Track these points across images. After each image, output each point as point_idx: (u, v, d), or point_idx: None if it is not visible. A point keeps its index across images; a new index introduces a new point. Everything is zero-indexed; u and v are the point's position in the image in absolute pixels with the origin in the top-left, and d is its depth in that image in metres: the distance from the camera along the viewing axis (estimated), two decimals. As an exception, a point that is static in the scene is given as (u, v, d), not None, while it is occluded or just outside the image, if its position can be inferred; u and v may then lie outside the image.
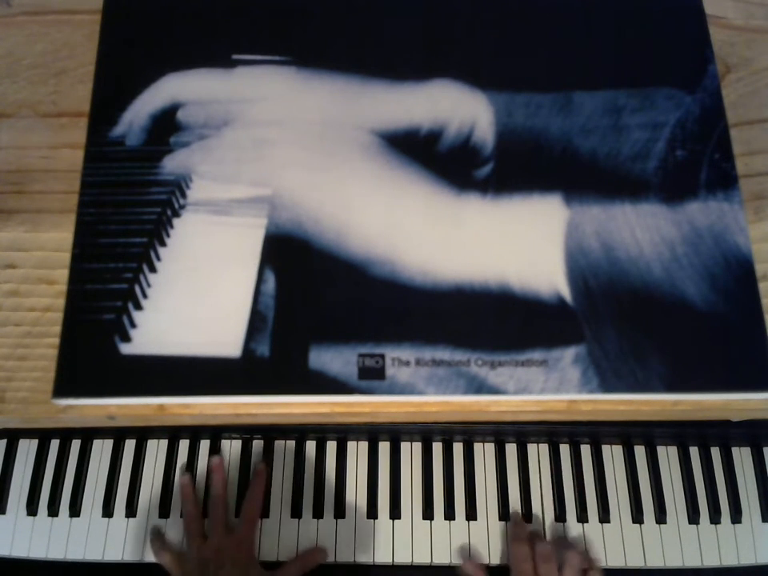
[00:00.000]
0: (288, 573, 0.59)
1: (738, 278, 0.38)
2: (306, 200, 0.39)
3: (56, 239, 0.39)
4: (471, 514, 0.62)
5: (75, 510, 0.62)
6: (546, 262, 0.38)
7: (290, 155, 0.40)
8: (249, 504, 0.61)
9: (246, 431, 0.65)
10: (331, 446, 0.65)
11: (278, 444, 0.66)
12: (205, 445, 0.65)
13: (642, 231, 0.38)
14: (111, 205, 0.38)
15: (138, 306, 0.36)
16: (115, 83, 0.41)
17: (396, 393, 0.35)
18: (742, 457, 0.66)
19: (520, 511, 0.63)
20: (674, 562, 0.62)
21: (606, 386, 0.35)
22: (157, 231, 0.38)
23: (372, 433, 0.65)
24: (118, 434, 0.65)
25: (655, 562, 0.62)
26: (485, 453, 0.65)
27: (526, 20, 0.44)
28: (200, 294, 0.36)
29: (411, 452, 0.65)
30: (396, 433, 0.65)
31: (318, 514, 0.62)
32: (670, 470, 0.65)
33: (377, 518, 0.63)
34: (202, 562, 0.57)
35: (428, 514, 0.62)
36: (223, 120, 0.41)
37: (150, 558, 0.61)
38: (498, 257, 0.38)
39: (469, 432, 0.65)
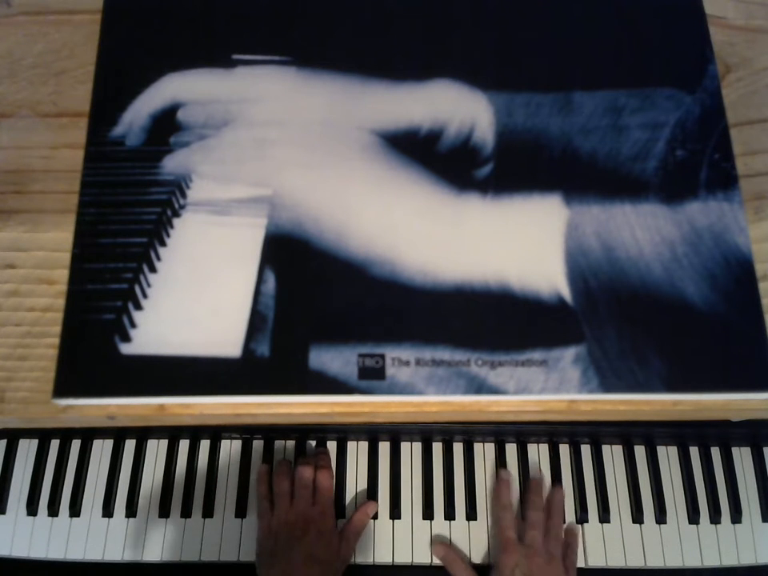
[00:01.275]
0: (351, 535, 0.61)
1: (738, 277, 0.38)
2: (306, 200, 0.39)
3: (56, 239, 0.39)
4: (471, 514, 0.63)
5: (75, 510, 0.62)
6: (546, 261, 0.38)
7: (290, 155, 0.40)
8: (323, 474, 0.62)
9: (245, 431, 0.65)
10: (331, 446, 0.65)
11: (278, 444, 0.66)
12: (205, 445, 0.66)
13: (642, 231, 0.38)
14: (111, 205, 0.38)
15: (138, 306, 0.36)
16: (115, 83, 0.41)
17: (396, 393, 0.35)
18: (742, 457, 0.66)
19: (519, 511, 0.63)
20: (674, 561, 0.62)
21: (606, 386, 0.35)
22: (157, 231, 0.38)
23: (372, 433, 0.65)
24: (118, 434, 0.65)
25: (655, 562, 0.62)
26: (485, 453, 0.65)
27: (526, 20, 0.44)
28: (200, 294, 0.36)
29: (411, 452, 0.65)
30: (396, 433, 0.65)
31: (318, 513, 0.62)
32: (670, 470, 0.65)
33: (377, 518, 0.63)
34: (288, 524, 0.59)
35: (428, 513, 0.62)
36: (223, 120, 0.41)
37: (150, 557, 0.61)
38: (498, 257, 0.38)
39: (469, 432, 0.65)
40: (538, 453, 0.65)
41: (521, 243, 0.38)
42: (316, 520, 0.59)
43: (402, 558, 0.61)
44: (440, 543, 0.61)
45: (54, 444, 0.65)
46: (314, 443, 0.66)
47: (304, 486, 0.61)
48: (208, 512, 0.63)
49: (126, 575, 0.62)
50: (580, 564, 0.61)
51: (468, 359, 0.36)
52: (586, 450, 0.65)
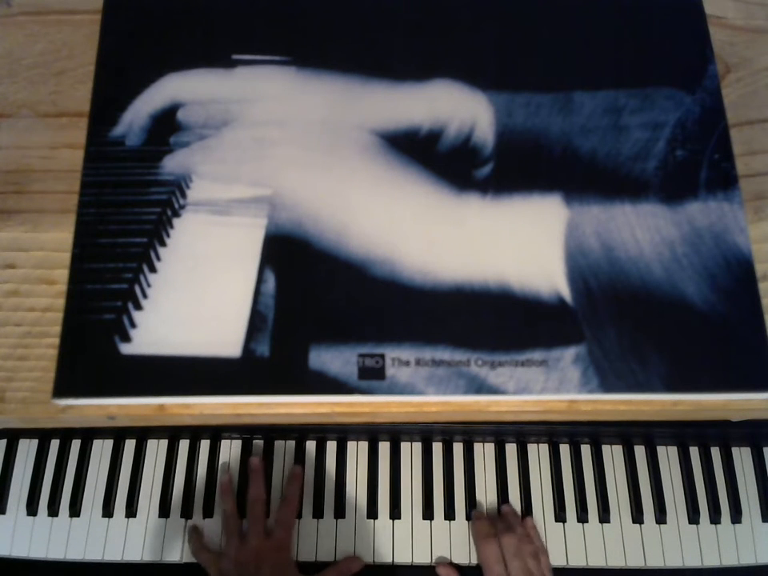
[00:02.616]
0: None
1: (737, 278, 0.38)
2: (306, 200, 0.39)
3: (56, 239, 0.39)
4: (471, 514, 0.62)
5: (75, 510, 0.62)
6: (546, 261, 0.38)
7: (290, 155, 0.40)
8: (286, 507, 0.61)
9: (246, 431, 0.65)
10: (331, 446, 0.65)
11: (278, 444, 0.66)
12: (205, 445, 0.65)
13: (642, 231, 0.38)
14: (111, 205, 0.38)
15: (138, 306, 0.36)
16: (115, 83, 0.41)
17: (396, 393, 0.35)
18: (742, 457, 0.66)
19: (520, 511, 0.63)
20: (674, 561, 0.62)
21: (606, 386, 0.35)
22: (157, 231, 0.38)
23: (372, 433, 0.65)
24: (118, 434, 0.65)
25: (655, 562, 0.62)
26: (485, 453, 0.65)
27: (526, 20, 0.44)
28: (200, 294, 0.36)
29: (411, 452, 0.65)
30: (396, 433, 0.65)
31: (318, 513, 0.62)
32: (670, 470, 0.65)
33: (377, 518, 0.63)
34: (240, 563, 0.58)
35: (428, 514, 0.62)
36: (223, 120, 0.41)
37: (150, 557, 0.61)
38: (498, 257, 0.38)
39: (469, 432, 0.65)
40: (538, 453, 0.65)
41: (521, 243, 0.38)
42: (270, 555, 0.58)
43: (402, 558, 0.61)
44: (443, 564, 0.60)
45: (54, 444, 0.65)
46: (314, 443, 0.66)
47: (255, 520, 0.60)
48: (208, 512, 0.63)
49: (126, 575, 0.62)
50: (581, 564, 0.61)
51: (468, 359, 0.36)
52: (585, 450, 0.65)
